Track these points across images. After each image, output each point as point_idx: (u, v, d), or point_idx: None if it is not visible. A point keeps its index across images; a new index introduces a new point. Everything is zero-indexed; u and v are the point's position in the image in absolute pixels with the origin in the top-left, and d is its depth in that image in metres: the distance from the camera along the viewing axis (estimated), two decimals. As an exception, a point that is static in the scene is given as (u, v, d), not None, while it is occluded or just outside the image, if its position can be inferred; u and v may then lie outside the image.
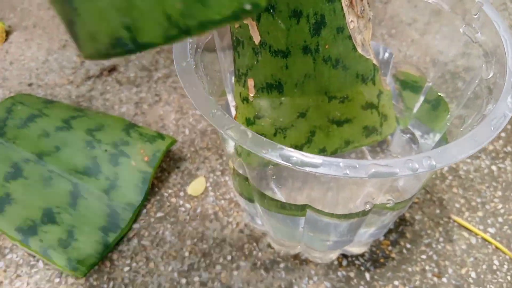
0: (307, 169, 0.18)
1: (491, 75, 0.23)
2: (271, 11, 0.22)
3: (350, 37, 0.24)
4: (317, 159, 0.18)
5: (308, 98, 0.25)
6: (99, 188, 0.35)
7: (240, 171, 0.26)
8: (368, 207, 0.24)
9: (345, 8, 0.23)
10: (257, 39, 0.23)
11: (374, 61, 0.26)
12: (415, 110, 0.31)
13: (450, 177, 0.37)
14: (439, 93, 0.29)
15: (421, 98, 0.31)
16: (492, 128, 0.19)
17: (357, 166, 0.18)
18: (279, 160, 0.18)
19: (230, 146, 0.27)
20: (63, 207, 0.34)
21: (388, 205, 0.26)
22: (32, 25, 0.53)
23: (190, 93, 0.21)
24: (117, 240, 0.34)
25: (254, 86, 0.26)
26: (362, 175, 0.18)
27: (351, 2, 0.23)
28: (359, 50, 0.25)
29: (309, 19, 0.22)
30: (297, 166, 0.18)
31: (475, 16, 0.25)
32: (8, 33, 0.52)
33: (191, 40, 0.24)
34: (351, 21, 0.24)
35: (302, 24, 0.22)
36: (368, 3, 0.25)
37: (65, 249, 0.32)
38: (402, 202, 0.26)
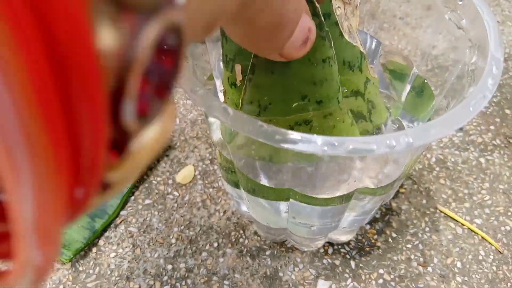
0: (286, 145, 0.18)
1: (473, 60, 0.23)
2: None
3: (336, 23, 0.24)
4: (296, 135, 0.18)
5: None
6: None
7: (227, 157, 0.27)
8: (350, 190, 0.24)
9: None
10: None
11: (361, 49, 0.26)
12: (403, 98, 0.31)
13: (437, 168, 0.37)
14: (424, 80, 0.29)
15: (408, 87, 0.31)
16: (471, 109, 0.19)
17: (336, 143, 0.18)
18: (259, 138, 0.18)
19: (217, 133, 0.27)
20: None
21: (368, 191, 0.26)
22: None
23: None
24: (104, 226, 0.34)
25: (242, 72, 0.26)
26: (341, 151, 0.18)
27: None
28: (346, 37, 0.25)
29: None
30: (277, 143, 0.18)
31: (460, 3, 0.25)
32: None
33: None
34: (338, 7, 0.24)
35: None
36: None
37: None
38: (384, 187, 0.26)
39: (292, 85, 0.21)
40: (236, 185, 0.30)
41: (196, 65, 0.27)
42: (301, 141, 0.18)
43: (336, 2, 0.23)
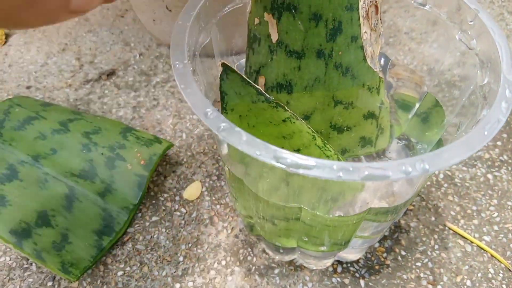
0: (301, 171, 0.18)
1: (485, 81, 0.23)
2: (293, 11, 0.22)
3: (362, 47, 0.24)
4: (310, 161, 0.18)
5: (315, 101, 0.26)
6: (94, 191, 0.35)
7: (236, 174, 0.26)
8: (362, 209, 0.24)
9: (361, 19, 0.23)
10: (275, 37, 0.24)
11: (380, 74, 0.26)
12: (404, 126, 0.32)
13: (445, 185, 0.37)
14: (435, 98, 0.29)
15: (410, 116, 0.31)
16: (485, 133, 0.19)
17: (351, 169, 0.18)
18: (273, 162, 0.18)
19: (226, 148, 0.27)
20: (58, 210, 0.34)
21: (382, 210, 0.26)
22: (32, 28, 0.53)
23: (186, 93, 0.21)
24: (111, 244, 0.34)
25: (264, 85, 0.26)
26: (356, 178, 0.18)
27: (367, 14, 0.23)
28: (368, 61, 0.25)
29: (327, 24, 0.23)
30: (290, 168, 0.18)
31: (471, 23, 0.25)
32: (7, 36, 0.52)
33: (188, 43, 0.24)
34: (365, 32, 0.24)
35: (320, 28, 0.23)
36: (381, 19, 0.25)
37: (58, 252, 0.32)
38: (396, 207, 0.26)
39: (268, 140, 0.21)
40: (245, 203, 0.29)
41: (203, 80, 0.27)
42: (316, 167, 0.18)
43: (364, 27, 0.24)
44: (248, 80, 0.23)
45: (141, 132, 0.38)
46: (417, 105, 0.31)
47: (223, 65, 0.23)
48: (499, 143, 0.40)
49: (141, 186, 0.35)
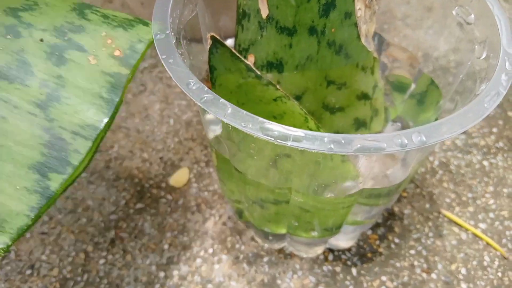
0: (289, 143, 0.17)
1: (484, 56, 0.22)
2: None
3: (355, 25, 0.23)
4: (300, 132, 0.17)
5: (306, 81, 0.25)
6: (28, 101, 0.21)
7: (224, 155, 0.25)
8: (354, 190, 0.23)
9: None
10: (265, 12, 0.22)
11: (375, 54, 0.25)
12: (399, 108, 0.31)
13: (440, 172, 0.36)
14: (431, 78, 0.28)
15: (406, 97, 0.30)
16: (485, 105, 0.18)
17: (343, 141, 0.17)
18: (259, 134, 0.17)
19: (212, 131, 0.26)
20: None
21: (374, 192, 0.25)
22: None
23: (167, 64, 0.20)
24: (65, 186, 0.21)
25: (254, 63, 0.25)
26: (348, 150, 0.17)
27: None
28: (362, 40, 0.24)
29: None
30: (278, 140, 0.17)
31: (468, -3, 0.24)
32: None
33: (172, 15, 0.23)
34: (359, 8, 0.23)
35: (313, 3, 0.22)
36: None
37: None
38: (389, 190, 0.25)
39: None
40: (233, 186, 0.28)
41: (192, 65, 0.26)
42: (306, 139, 0.17)
43: (358, 3, 0.22)
44: (238, 55, 0.22)
45: (110, 10, 0.25)
46: (413, 86, 0.30)
47: (213, 38, 0.22)
48: (494, 129, 0.39)
49: (115, 92, 0.22)
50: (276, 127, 0.17)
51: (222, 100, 0.18)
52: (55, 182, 0.21)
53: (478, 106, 0.18)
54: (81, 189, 0.35)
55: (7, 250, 0.20)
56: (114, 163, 0.37)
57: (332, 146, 0.17)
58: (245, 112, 0.18)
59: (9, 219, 0.20)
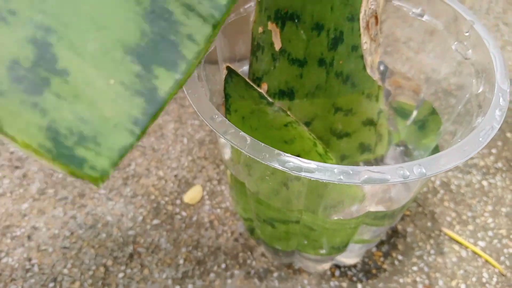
0: (303, 174, 0.19)
1: (480, 90, 0.24)
2: (296, 21, 0.23)
3: (362, 57, 0.25)
4: (312, 164, 0.19)
5: (315, 108, 0.27)
6: None
7: (238, 177, 0.27)
8: (360, 213, 0.25)
9: (362, 29, 0.24)
10: (278, 45, 0.24)
11: (379, 83, 0.27)
12: (402, 133, 0.32)
13: (441, 191, 0.38)
14: (432, 106, 0.30)
15: (409, 123, 0.32)
16: (480, 139, 0.20)
17: (351, 172, 0.19)
18: (276, 165, 0.19)
19: (229, 152, 0.28)
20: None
21: (379, 214, 0.26)
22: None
23: (192, 98, 0.22)
24: (175, 92, 0.14)
25: (267, 91, 0.27)
26: (356, 180, 0.18)
27: (367, 25, 0.24)
28: (368, 70, 0.26)
29: (329, 33, 0.23)
30: (293, 171, 0.19)
31: (467, 34, 0.26)
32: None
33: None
34: (365, 42, 0.25)
35: (322, 38, 0.23)
36: (380, 30, 0.26)
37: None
38: (393, 211, 0.26)
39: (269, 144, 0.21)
40: (245, 205, 0.30)
41: (208, 88, 0.28)
42: (318, 170, 0.19)
43: (364, 37, 0.24)
44: (251, 83, 0.24)
45: None
46: (415, 112, 0.32)
47: (228, 68, 0.24)
48: (494, 150, 0.41)
49: None
50: (291, 159, 0.19)
51: (242, 133, 0.20)
52: (164, 82, 0.14)
53: (474, 140, 0.20)
54: (100, 205, 0.37)
55: (106, 177, 0.13)
56: (132, 180, 0.39)
57: (341, 177, 0.18)
58: (263, 144, 0.20)
59: (105, 133, 0.13)
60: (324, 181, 0.19)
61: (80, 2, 0.13)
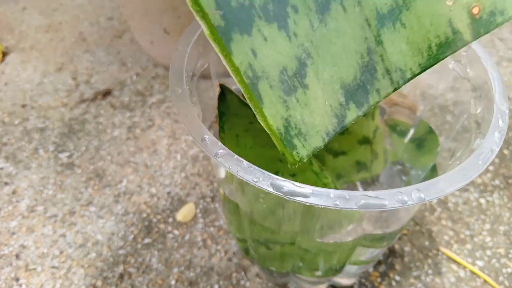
0: (297, 198, 0.18)
1: (479, 110, 0.24)
2: None
3: None
4: (307, 189, 0.18)
5: None
6: (370, 9, 0.19)
7: (231, 198, 0.26)
8: (358, 235, 0.24)
9: None
10: None
11: None
12: (399, 152, 0.32)
13: (439, 209, 0.37)
14: (429, 126, 0.29)
15: (406, 141, 0.31)
16: (480, 162, 0.19)
17: (347, 197, 0.18)
18: (270, 189, 0.18)
19: (222, 172, 0.27)
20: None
21: (377, 236, 0.26)
22: (30, 47, 0.53)
23: (184, 119, 0.21)
24: (357, 117, 0.19)
25: None
26: (352, 206, 0.18)
27: None
28: None
29: None
30: (287, 196, 0.18)
31: (464, 54, 0.25)
32: (4, 54, 0.52)
33: (187, 69, 0.24)
34: None
35: None
36: None
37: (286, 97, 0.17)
38: (391, 233, 0.26)
39: (264, 162, 0.21)
40: (239, 226, 0.29)
41: (203, 105, 0.27)
42: (313, 195, 0.18)
43: None
44: (245, 101, 0.23)
45: None
46: (412, 131, 0.31)
47: (221, 86, 0.23)
48: (491, 167, 0.40)
49: (443, 51, 0.21)
50: (285, 184, 0.18)
51: (236, 156, 0.19)
52: (351, 114, 0.19)
53: (473, 164, 0.19)
54: (90, 223, 0.36)
55: (300, 162, 0.18)
56: (123, 197, 0.38)
57: (338, 202, 0.18)
58: (256, 168, 0.19)
59: (311, 134, 0.18)
60: (320, 206, 0.18)
61: (332, 44, 0.18)
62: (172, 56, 0.24)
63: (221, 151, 0.20)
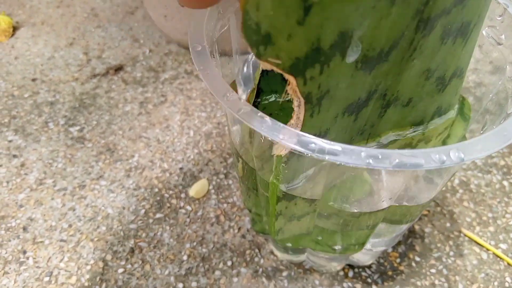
0: (327, 157, 0.17)
1: (515, 76, 0.22)
2: None
3: None
4: (337, 146, 0.17)
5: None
6: None
7: (251, 165, 0.25)
8: (379, 207, 0.23)
9: None
10: None
11: None
12: None
13: (460, 191, 0.36)
14: (463, 96, 0.28)
15: None
16: (521, 124, 0.18)
17: (380, 156, 0.17)
18: (297, 147, 0.17)
19: (243, 136, 0.26)
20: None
21: (398, 211, 0.25)
22: (40, 22, 0.52)
23: (205, 76, 0.20)
24: None
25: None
26: (386, 165, 0.17)
27: None
28: None
29: None
30: (316, 154, 0.17)
31: (499, 18, 0.24)
32: (15, 28, 0.51)
33: (206, 28, 0.23)
34: None
35: None
36: None
37: None
38: (413, 210, 0.25)
39: None
40: (256, 200, 0.28)
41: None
42: (343, 153, 0.17)
43: None
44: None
45: None
46: None
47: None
48: (514, 150, 0.39)
49: None
50: (313, 140, 0.17)
51: (260, 113, 0.18)
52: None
53: (513, 125, 0.18)
54: (101, 197, 0.36)
55: None
56: (135, 172, 0.37)
57: (370, 161, 0.17)
58: (282, 125, 0.18)
59: None
60: (351, 165, 0.17)
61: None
62: (192, 14, 0.23)
63: (245, 107, 0.18)
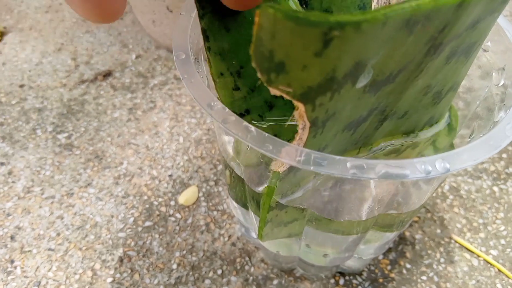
0: (312, 167, 0.17)
1: (502, 83, 0.22)
2: None
3: None
4: (322, 156, 0.17)
5: None
6: None
7: (238, 173, 0.25)
8: (369, 216, 0.23)
9: None
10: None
11: None
12: None
13: (451, 197, 0.36)
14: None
15: None
16: (507, 133, 0.18)
17: (365, 166, 0.17)
18: (283, 158, 0.17)
19: (229, 145, 0.26)
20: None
21: (387, 219, 0.24)
22: (28, 28, 0.52)
23: (188, 84, 0.20)
24: None
25: None
26: (371, 175, 0.16)
27: None
28: None
29: None
30: (302, 165, 0.17)
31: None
32: (3, 34, 0.51)
33: (191, 35, 0.23)
34: None
35: None
36: None
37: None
38: (403, 217, 0.24)
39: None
40: (245, 207, 0.28)
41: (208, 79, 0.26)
42: (328, 163, 0.17)
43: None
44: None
45: None
46: None
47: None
48: (504, 155, 0.39)
49: None
50: (299, 150, 0.17)
51: (244, 123, 0.18)
52: None
53: (499, 134, 0.18)
54: (89, 205, 0.35)
55: None
56: (123, 179, 0.37)
57: (355, 171, 0.16)
58: (267, 134, 0.18)
59: None
60: (336, 175, 0.17)
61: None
62: (176, 21, 0.23)
63: (230, 117, 0.18)
